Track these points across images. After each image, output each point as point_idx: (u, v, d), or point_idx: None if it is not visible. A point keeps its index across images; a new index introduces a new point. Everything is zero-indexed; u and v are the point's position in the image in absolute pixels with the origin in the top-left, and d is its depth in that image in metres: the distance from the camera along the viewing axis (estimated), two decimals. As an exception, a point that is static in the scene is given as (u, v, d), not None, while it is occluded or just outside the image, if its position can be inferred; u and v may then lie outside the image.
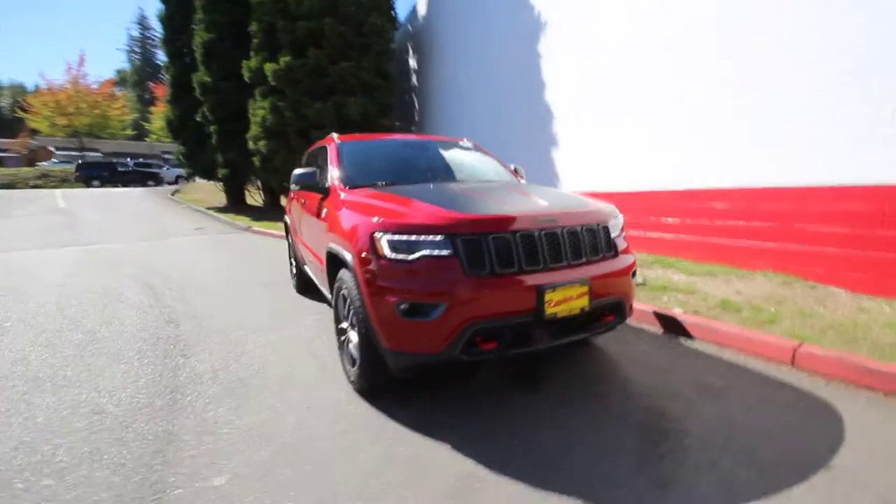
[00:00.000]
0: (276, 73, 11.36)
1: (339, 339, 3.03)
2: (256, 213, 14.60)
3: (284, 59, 11.26)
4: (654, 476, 1.96)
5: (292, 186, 4.67)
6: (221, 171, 14.73)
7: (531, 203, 2.68)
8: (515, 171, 4.13)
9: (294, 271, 5.33)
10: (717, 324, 3.42)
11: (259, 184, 15.95)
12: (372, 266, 2.36)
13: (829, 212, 4.26)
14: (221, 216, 13.94)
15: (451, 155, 4.06)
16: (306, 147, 12.50)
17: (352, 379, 2.74)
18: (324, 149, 4.08)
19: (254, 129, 12.11)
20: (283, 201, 17.83)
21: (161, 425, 2.48)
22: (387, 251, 2.33)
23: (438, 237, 2.28)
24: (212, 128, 14.21)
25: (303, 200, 4.13)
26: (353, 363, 2.75)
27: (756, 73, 4.79)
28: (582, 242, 2.54)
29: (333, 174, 3.45)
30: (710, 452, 2.11)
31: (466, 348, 2.27)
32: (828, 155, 4.29)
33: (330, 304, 3.35)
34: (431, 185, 3.21)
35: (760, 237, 4.78)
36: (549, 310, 2.32)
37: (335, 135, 4.16)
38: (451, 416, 2.49)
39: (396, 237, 2.33)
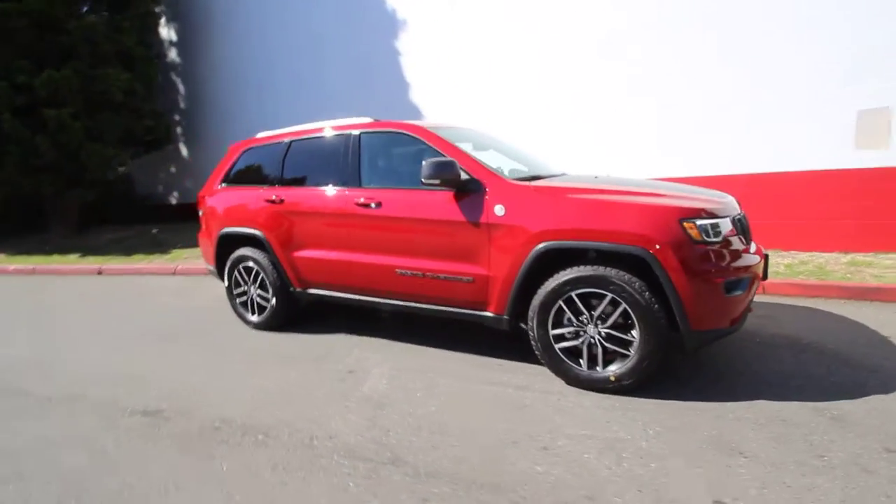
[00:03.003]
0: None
1: (549, 351, 2.71)
2: None
3: (-25, -4, 7.26)
4: (860, 366, 2.82)
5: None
6: None
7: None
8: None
9: (261, 302, 3.93)
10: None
11: None
12: (690, 252, 2.36)
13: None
14: None
15: (509, 142, 3.98)
16: (33, 134, 8.31)
17: (612, 380, 2.55)
18: (391, 137, 3.30)
19: (-85, 103, 7.32)
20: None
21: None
22: (703, 236, 2.39)
23: (727, 219, 2.51)
24: None
25: (366, 201, 3.19)
26: (603, 363, 2.60)
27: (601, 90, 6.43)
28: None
29: (472, 167, 2.92)
30: (853, 347, 3.07)
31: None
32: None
33: (508, 325, 2.89)
34: (596, 176, 3.18)
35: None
36: (769, 271, 2.89)
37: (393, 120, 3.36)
38: (700, 385, 2.72)
39: (706, 222, 2.41)
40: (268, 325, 3.95)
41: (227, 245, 4.08)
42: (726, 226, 2.50)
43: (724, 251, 2.44)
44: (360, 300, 3.49)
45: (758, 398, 2.52)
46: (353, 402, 2.70)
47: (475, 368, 3.07)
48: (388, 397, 2.73)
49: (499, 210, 2.78)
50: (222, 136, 10.74)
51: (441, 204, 2.96)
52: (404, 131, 3.28)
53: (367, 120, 3.55)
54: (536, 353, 2.81)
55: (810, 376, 2.74)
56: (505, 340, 3.39)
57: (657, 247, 2.38)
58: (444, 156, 3.02)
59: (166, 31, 11.25)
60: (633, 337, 2.50)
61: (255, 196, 3.86)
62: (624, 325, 2.54)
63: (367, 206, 3.23)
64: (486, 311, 2.95)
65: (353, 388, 2.88)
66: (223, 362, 3.40)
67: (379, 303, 3.38)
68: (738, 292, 2.45)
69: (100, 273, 6.95)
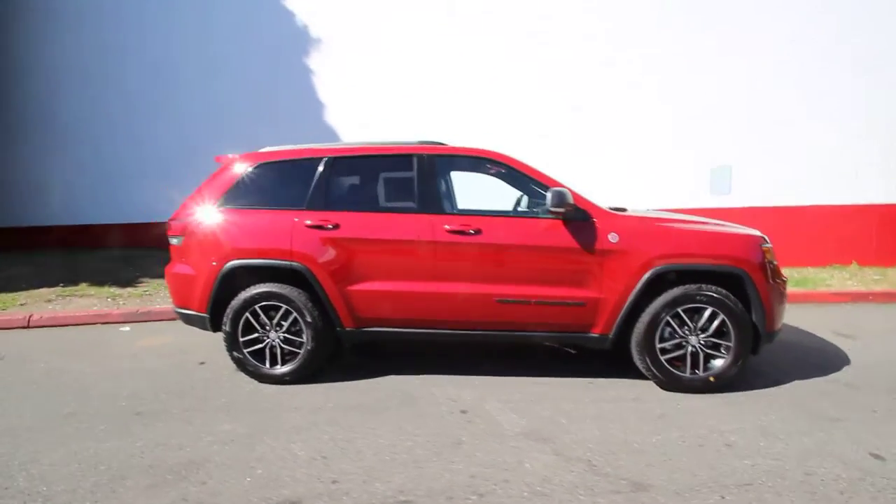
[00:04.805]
0: None
1: (657, 362, 3.04)
2: None
3: None
4: (814, 349, 3.91)
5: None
6: None
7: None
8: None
9: (290, 349, 3.24)
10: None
11: None
12: (768, 270, 3.01)
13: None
14: None
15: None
16: None
17: (712, 380, 3.01)
18: (471, 162, 3.26)
19: None
20: None
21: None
22: (771, 258, 3.07)
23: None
24: None
25: (461, 228, 3.01)
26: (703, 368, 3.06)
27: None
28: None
29: (575, 197, 3.08)
30: (794, 336, 4.24)
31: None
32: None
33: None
34: (648, 209, 3.64)
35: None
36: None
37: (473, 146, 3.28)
38: (748, 378, 3.40)
39: (769, 246, 3.11)
40: (300, 376, 3.26)
41: (234, 282, 3.24)
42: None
43: (777, 268, 3.20)
44: (441, 334, 3.23)
45: (791, 380, 3.30)
46: (513, 441, 2.53)
47: (574, 390, 3.18)
48: (541, 430, 2.64)
49: (612, 237, 3.03)
50: (55, 145, 8.18)
51: (550, 231, 3.05)
52: (489, 157, 3.27)
53: (429, 142, 3.40)
54: (641, 366, 3.10)
55: (797, 360, 3.70)
56: (559, 359, 3.78)
57: (757, 266, 2.99)
58: (544, 185, 3.13)
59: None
60: (729, 342, 3.02)
61: (285, 220, 3.21)
62: (717, 332, 3.05)
63: (462, 232, 3.07)
64: (590, 332, 3.12)
65: (491, 428, 2.68)
66: (287, 428, 2.69)
67: (468, 335, 3.20)
68: (786, 300, 3.23)
69: None
